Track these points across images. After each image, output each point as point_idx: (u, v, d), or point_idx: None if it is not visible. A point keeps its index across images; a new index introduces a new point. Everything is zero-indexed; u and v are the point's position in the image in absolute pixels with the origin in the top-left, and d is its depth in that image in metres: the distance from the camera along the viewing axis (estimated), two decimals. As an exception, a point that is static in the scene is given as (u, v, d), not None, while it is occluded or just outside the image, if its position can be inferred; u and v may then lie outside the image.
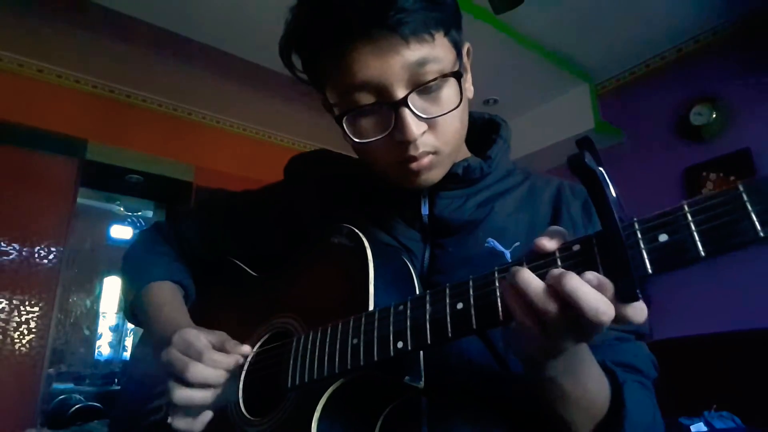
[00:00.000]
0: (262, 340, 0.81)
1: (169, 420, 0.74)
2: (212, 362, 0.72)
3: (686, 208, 0.41)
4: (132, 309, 0.97)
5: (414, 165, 0.70)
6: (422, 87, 0.66)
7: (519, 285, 0.48)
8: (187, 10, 2.64)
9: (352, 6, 0.62)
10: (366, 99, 0.67)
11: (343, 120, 0.69)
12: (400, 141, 0.67)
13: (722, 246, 0.38)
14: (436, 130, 0.69)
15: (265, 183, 1.03)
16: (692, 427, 2.37)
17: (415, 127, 0.66)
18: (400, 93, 0.65)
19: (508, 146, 0.86)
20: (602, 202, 0.45)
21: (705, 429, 2.38)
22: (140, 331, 1.05)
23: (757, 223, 0.37)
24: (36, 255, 3.14)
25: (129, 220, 6.01)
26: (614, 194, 0.45)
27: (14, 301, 3.03)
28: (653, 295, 3.21)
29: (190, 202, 3.82)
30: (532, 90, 3.61)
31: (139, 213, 5.88)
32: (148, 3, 2.59)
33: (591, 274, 0.45)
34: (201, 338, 0.74)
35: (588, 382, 0.59)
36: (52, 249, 3.20)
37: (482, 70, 3.76)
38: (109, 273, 6.32)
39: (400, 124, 0.66)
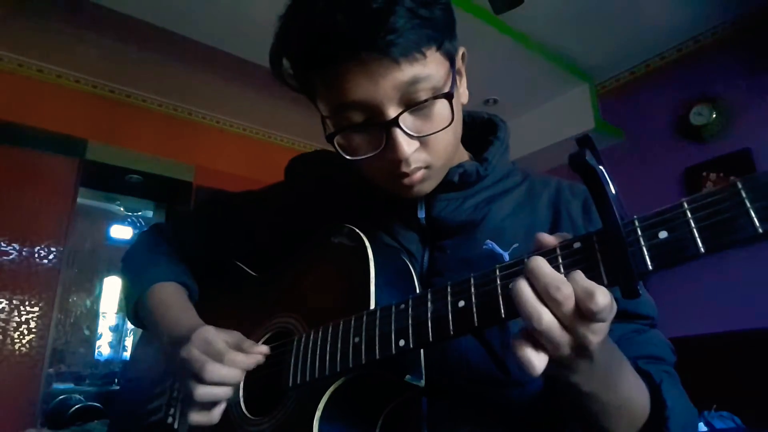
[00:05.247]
0: (262, 340, 0.81)
1: (188, 416, 0.74)
2: (232, 362, 0.72)
3: (686, 205, 0.42)
4: (135, 311, 0.96)
5: (406, 180, 0.70)
6: (414, 107, 0.65)
7: (534, 270, 0.47)
8: (187, 10, 2.64)
9: (341, 27, 0.60)
10: (357, 117, 0.66)
11: (334, 140, 0.69)
12: (391, 159, 0.67)
13: (721, 242, 0.38)
14: (428, 146, 0.69)
15: (265, 183, 1.03)
16: (692, 427, 2.36)
17: (406, 146, 0.66)
18: (391, 113, 0.64)
19: (506, 147, 0.86)
20: (603, 200, 0.45)
21: (705, 429, 2.38)
22: (141, 331, 1.05)
23: (755, 219, 0.37)
24: (36, 255, 3.15)
25: (129, 220, 6.01)
26: (614, 192, 0.45)
27: (14, 301, 3.03)
28: (654, 295, 3.21)
29: (190, 202, 3.81)
30: (532, 90, 3.61)
31: (139, 213, 5.87)
32: (148, 3, 2.59)
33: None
34: (219, 338, 0.75)
35: (626, 389, 0.59)
36: (52, 249, 3.20)
37: (482, 70, 3.76)
38: (109, 273, 6.30)
39: (391, 144, 0.66)
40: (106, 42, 3.17)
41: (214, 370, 0.71)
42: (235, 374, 0.73)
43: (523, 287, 0.47)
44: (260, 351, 0.76)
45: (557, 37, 3.21)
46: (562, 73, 3.47)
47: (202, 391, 0.71)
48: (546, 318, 0.46)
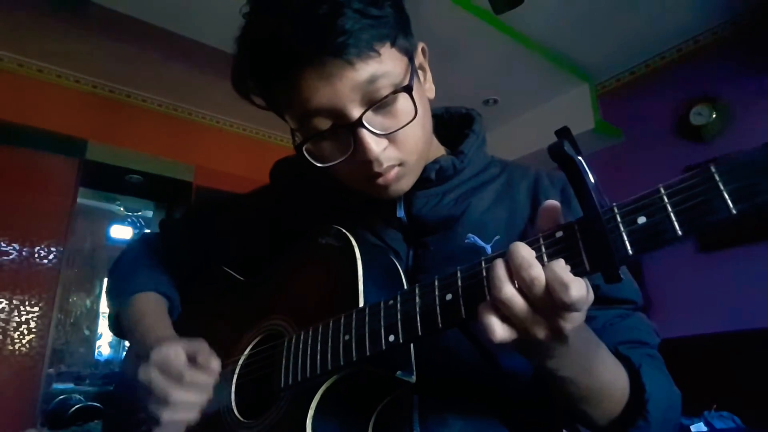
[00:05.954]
0: (253, 343, 0.81)
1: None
2: (193, 384, 0.71)
3: (662, 190, 0.43)
4: (117, 321, 0.96)
5: (381, 180, 0.71)
6: (376, 104, 0.66)
7: (512, 251, 0.49)
8: (187, 10, 2.65)
9: (293, 36, 0.61)
10: (322, 124, 0.67)
11: (303, 149, 0.69)
12: (362, 161, 0.67)
13: (698, 225, 0.40)
14: (397, 143, 0.69)
15: (265, 183, 1.04)
16: (692, 427, 2.36)
17: (374, 145, 0.66)
18: (355, 114, 0.65)
19: (483, 139, 0.86)
20: (582, 189, 0.46)
21: (705, 429, 2.38)
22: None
23: (729, 201, 0.39)
24: (36, 255, 3.15)
25: (129, 220, 6.01)
26: (593, 181, 0.46)
27: (14, 301, 3.04)
28: (653, 296, 3.21)
29: (190, 202, 3.83)
30: (532, 90, 3.62)
31: (139, 213, 5.88)
32: (148, 3, 2.60)
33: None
34: (180, 357, 0.73)
35: (603, 373, 0.60)
36: (52, 249, 3.21)
37: (482, 70, 3.76)
38: (109, 273, 6.30)
39: (359, 145, 0.66)
40: (106, 42, 3.18)
41: (178, 395, 0.70)
42: (198, 397, 0.72)
43: (498, 263, 0.49)
44: (215, 367, 0.74)
45: (557, 37, 3.22)
46: (562, 73, 3.48)
47: (169, 417, 0.71)
48: (507, 289, 0.48)
